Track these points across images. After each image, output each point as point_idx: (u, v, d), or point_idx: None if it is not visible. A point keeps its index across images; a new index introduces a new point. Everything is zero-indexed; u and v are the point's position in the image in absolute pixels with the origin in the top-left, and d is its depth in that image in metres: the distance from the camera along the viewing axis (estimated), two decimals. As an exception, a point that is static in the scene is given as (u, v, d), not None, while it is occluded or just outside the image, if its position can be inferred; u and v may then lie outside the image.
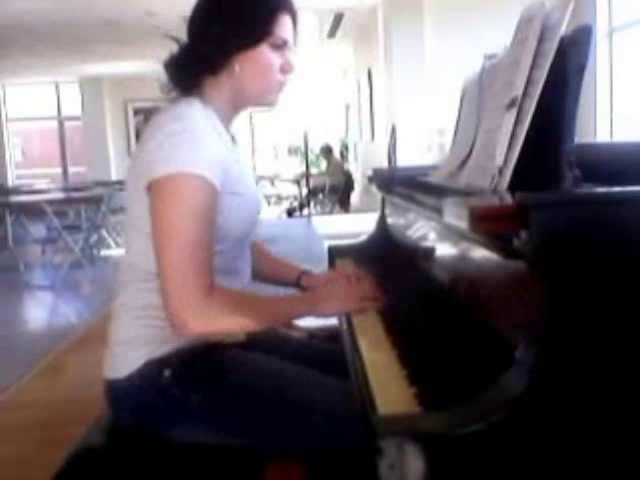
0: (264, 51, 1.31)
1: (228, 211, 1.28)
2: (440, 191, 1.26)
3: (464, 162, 1.33)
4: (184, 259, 1.18)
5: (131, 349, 1.29)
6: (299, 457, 1.26)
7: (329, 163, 11.47)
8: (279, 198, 12.52)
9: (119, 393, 1.30)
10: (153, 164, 1.21)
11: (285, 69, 1.35)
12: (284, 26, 1.32)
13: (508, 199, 0.89)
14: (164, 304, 1.19)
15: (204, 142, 1.23)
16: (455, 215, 0.89)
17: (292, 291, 1.58)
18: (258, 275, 1.55)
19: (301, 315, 1.35)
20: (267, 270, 1.60)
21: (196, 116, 1.26)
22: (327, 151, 11.56)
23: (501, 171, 1.05)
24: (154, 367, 1.27)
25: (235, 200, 1.29)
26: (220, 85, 1.33)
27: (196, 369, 1.28)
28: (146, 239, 1.24)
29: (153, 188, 1.21)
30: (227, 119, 1.37)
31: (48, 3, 6.98)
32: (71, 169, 14.00)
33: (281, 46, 1.32)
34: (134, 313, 1.30)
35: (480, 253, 1.04)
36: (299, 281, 1.57)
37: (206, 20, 1.32)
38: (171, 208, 1.19)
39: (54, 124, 13.95)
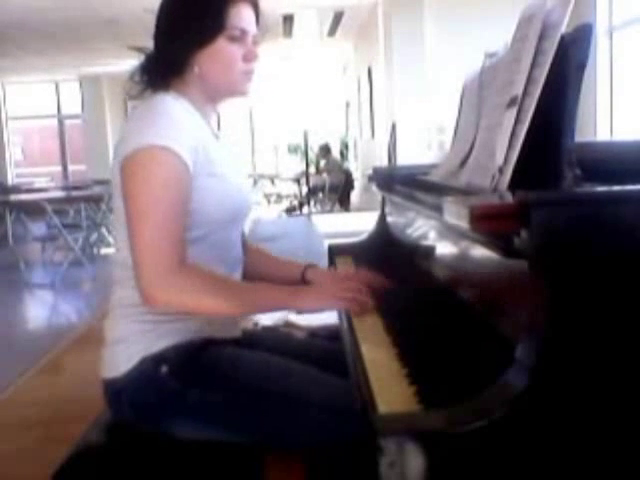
0: (222, 45, 1.32)
1: (205, 192, 1.28)
2: (440, 190, 1.26)
3: (464, 161, 1.33)
4: (154, 230, 1.19)
5: (126, 347, 1.29)
6: (299, 452, 1.26)
7: (327, 161, 11.49)
8: (279, 197, 12.52)
9: (117, 392, 1.30)
10: (126, 142, 1.24)
11: (248, 58, 1.35)
12: (239, 16, 1.33)
13: (508, 198, 0.89)
14: (134, 274, 1.20)
15: (175, 120, 1.25)
16: (455, 214, 0.89)
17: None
18: (262, 277, 1.54)
19: (278, 308, 1.35)
20: (271, 270, 1.58)
21: (168, 101, 1.29)
22: (325, 150, 11.59)
23: (501, 170, 1.05)
24: (150, 363, 1.27)
25: (212, 182, 1.30)
26: (187, 84, 1.35)
27: (193, 364, 1.28)
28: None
29: (124, 165, 1.23)
30: (204, 111, 1.38)
31: (48, 1, 6.97)
32: (71, 167, 14.00)
33: (240, 37, 1.33)
34: (127, 311, 1.30)
35: (480, 252, 1.04)
36: (304, 275, 1.56)
37: (164, 23, 1.35)
38: (140, 181, 1.21)
39: (54, 122, 13.95)
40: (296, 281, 1.57)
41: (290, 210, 11.04)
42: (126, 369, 1.28)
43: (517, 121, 1.04)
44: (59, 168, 13.92)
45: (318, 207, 10.93)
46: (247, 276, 1.48)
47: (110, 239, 7.38)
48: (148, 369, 1.27)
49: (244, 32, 1.33)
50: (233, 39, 1.32)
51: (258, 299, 1.28)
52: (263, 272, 1.55)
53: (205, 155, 1.28)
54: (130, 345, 1.29)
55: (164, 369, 1.26)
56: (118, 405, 1.32)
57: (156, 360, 1.27)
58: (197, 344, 1.30)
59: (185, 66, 1.33)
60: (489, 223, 0.84)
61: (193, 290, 1.21)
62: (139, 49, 1.37)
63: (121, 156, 1.23)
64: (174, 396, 1.26)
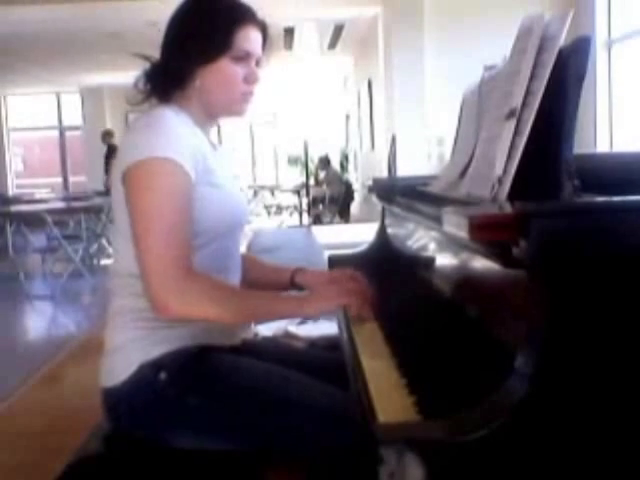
0: (225, 64, 1.33)
1: (206, 202, 1.29)
2: (440, 200, 1.27)
3: (464, 172, 1.34)
4: (161, 240, 1.19)
5: (124, 354, 1.29)
6: (297, 459, 1.25)
7: (327, 173, 11.53)
8: (279, 208, 12.56)
9: (115, 399, 1.30)
10: (126, 156, 1.25)
11: (249, 80, 1.36)
12: (247, 39, 1.34)
13: (507, 208, 0.90)
14: (144, 287, 1.20)
15: (175, 131, 1.26)
16: (455, 224, 0.90)
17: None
18: (252, 283, 1.55)
19: (287, 314, 1.38)
20: (260, 275, 1.60)
21: (168, 114, 1.30)
22: (325, 162, 11.63)
23: (500, 180, 1.06)
24: (149, 370, 1.27)
25: (212, 192, 1.31)
26: (188, 98, 1.36)
27: (192, 371, 1.28)
28: (130, 243, 1.25)
29: (126, 177, 1.24)
30: (203, 125, 1.39)
31: (49, 13, 7.01)
32: (71, 179, 14.02)
33: (244, 58, 1.34)
34: (125, 318, 1.31)
35: (480, 262, 1.05)
36: (293, 279, 1.57)
37: (173, 34, 1.37)
38: (144, 191, 1.22)
39: (55, 134, 13.99)
40: (285, 286, 1.58)
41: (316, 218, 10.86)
42: (124, 377, 1.28)
43: (516, 132, 1.05)
44: (59, 179, 13.93)
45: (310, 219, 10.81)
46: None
47: (110, 250, 7.39)
48: (146, 376, 1.27)
49: (249, 54, 1.35)
50: (237, 60, 1.33)
51: (269, 306, 1.30)
52: (253, 278, 1.56)
53: (205, 165, 1.30)
54: (128, 353, 1.29)
55: (162, 375, 1.26)
56: (117, 414, 1.31)
57: (154, 366, 1.27)
58: (195, 350, 1.30)
59: (187, 80, 1.34)
60: (488, 233, 0.84)
61: (205, 298, 1.21)
62: (145, 57, 1.38)
63: (122, 168, 1.25)
64: (173, 402, 1.26)
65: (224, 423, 1.25)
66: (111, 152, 10.08)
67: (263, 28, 1.39)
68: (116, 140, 10.31)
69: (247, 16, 1.35)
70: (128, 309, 1.29)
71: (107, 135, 10.32)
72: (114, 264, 1.36)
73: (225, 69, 1.33)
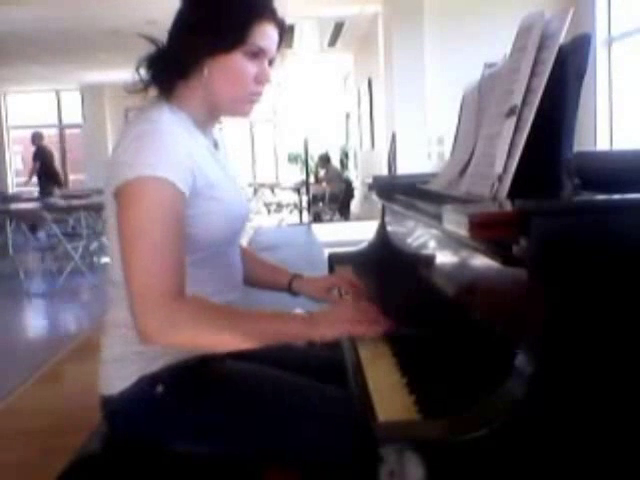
0: (236, 58, 1.25)
1: (206, 216, 1.25)
2: (440, 198, 1.27)
3: (464, 169, 1.34)
4: (146, 262, 1.13)
5: (122, 367, 1.27)
6: (297, 464, 1.25)
7: (327, 171, 11.55)
8: (279, 206, 12.58)
9: (113, 409, 1.29)
10: (118, 170, 1.18)
11: (259, 79, 1.29)
12: (263, 35, 1.27)
13: (508, 206, 0.89)
14: (130, 311, 1.14)
15: (170, 144, 1.19)
16: (455, 222, 0.90)
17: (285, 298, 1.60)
18: (249, 280, 1.54)
19: (294, 337, 1.24)
20: (258, 275, 1.59)
21: (164, 119, 1.23)
22: (325, 159, 11.65)
23: (501, 178, 1.06)
24: (146, 384, 1.25)
25: (212, 205, 1.26)
26: (192, 90, 1.29)
27: (189, 383, 1.26)
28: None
29: (118, 194, 1.18)
30: (204, 124, 1.33)
31: (49, 11, 7.01)
32: (71, 177, 14.03)
33: (257, 55, 1.27)
34: (121, 331, 1.26)
35: (480, 260, 1.05)
36: (290, 285, 1.57)
37: (183, 18, 1.29)
38: (132, 211, 1.15)
39: (55, 132, 13.99)
40: (282, 289, 1.58)
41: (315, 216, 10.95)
42: (122, 388, 1.26)
43: (516, 130, 1.05)
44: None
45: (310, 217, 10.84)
46: None
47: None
48: (144, 389, 1.25)
49: (263, 51, 1.28)
50: (250, 56, 1.26)
51: (274, 329, 1.21)
52: (250, 276, 1.54)
53: (203, 177, 1.24)
54: (126, 365, 1.27)
55: (160, 389, 1.24)
56: (115, 422, 1.30)
57: (152, 380, 1.25)
58: (193, 363, 1.27)
59: (193, 69, 1.27)
60: (488, 231, 0.84)
61: (192, 325, 1.15)
62: (150, 39, 1.29)
63: (113, 184, 1.19)
64: (170, 412, 1.24)
65: (223, 432, 1.23)
66: (40, 153, 10.16)
67: (281, 27, 1.32)
68: (45, 142, 10.42)
69: (268, 11, 1.28)
70: (125, 322, 1.23)
71: (37, 137, 10.37)
72: (111, 273, 1.30)
73: (236, 63, 1.26)
